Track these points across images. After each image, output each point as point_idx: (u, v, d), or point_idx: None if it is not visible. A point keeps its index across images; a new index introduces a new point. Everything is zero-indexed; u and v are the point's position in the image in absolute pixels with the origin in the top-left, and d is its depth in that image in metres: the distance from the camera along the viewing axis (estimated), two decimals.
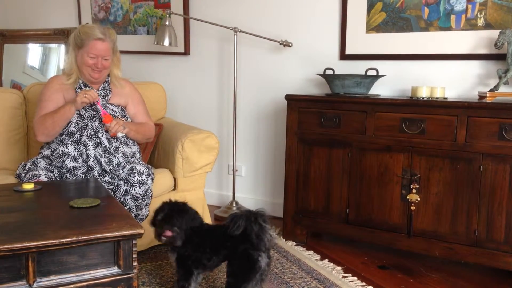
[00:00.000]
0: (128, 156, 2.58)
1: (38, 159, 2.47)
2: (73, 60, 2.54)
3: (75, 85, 2.56)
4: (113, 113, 2.57)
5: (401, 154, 2.67)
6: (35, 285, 1.46)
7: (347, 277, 2.56)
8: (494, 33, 2.72)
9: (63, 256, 1.49)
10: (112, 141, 2.54)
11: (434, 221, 2.61)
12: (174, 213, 2.07)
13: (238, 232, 1.93)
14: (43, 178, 2.34)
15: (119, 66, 2.67)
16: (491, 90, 2.65)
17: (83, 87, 2.55)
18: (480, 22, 2.81)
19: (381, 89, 3.12)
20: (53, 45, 4.41)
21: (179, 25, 3.77)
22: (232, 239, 1.98)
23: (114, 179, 2.47)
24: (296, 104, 2.98)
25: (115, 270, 1.57)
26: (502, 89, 2.69)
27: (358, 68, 3.13)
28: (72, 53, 2.54)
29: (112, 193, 2.37)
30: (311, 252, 2.89)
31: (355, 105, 2.79)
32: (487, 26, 2.79)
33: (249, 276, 1.98)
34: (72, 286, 1.51)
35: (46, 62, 4.46)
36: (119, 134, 2.48)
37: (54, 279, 1.49)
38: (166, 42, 3.55)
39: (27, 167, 2.43)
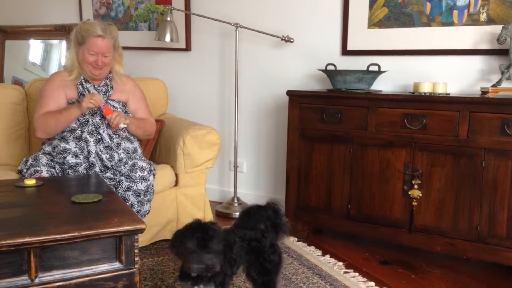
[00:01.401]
0: (130, 151, 2.58)
1: (40, 155, 2.48)
2: (74, 57, 2.54)
3: (76, 81, 2.55)
4: (114, 109, 2.57)
5: (403, 149, 2.66)
6: (37, 280, 1.46)
7: (348, 272, 2.56)
8: (497, 28, 2.71)
9: (65, 251, 1.49)
10: (113, 137, 2.54)
11: (436, 217, 2.61)
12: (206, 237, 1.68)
13: (261, 225, 1.90)
14: (44, 174, 2.35)
15: (121, 62, 2.66)
16: (493, 86, 2.64)
17: (84, 83, 2.55)
18: (483, 17, 2.80)
19: (383, 85, 3.12)
20: (54, 41, 4.40)
21: (180, 21, 3.76)
22: (253, 236, 1.92)
23: (116, 175, 2.48)
24: (297, 100, 2.98)
25: (116, 265, 1.57)
26: (505, 84, 2.68)
27: (360, 63, 3.12)
28: (73, 50, 2.54)
29: (114, 189, 2.37)
30: (312, 247, 2.89)
31: (357, 101, 2.79)
32: (490, 21, 2.78)
33: (280, 269, 1.96)
34: (74, 281, 1.51)
35: (47, 59, 4.45)
36: (121, 126, 2.46)
37: (56, 274, 1.49)
38: (168, 38, 3.54)
39: (28, 163, 2.43)
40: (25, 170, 2.41)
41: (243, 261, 1.94)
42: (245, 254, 1.92)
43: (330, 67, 3.11)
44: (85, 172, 2.45)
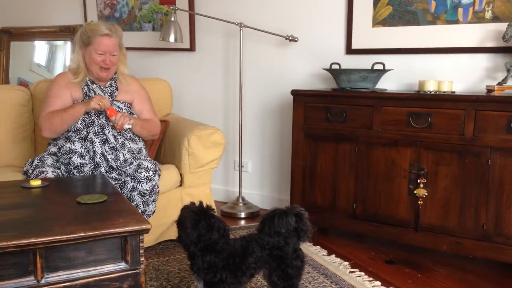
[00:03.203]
0: (135, 152, 2.58)
1: (45, 156, 2.48)
2: (80, 59, 2.54)
3: (82, 83, 2.56)
4: (119, 110, 2.57)
5: (408, 148, 2.65)
6: (43, 281, 1.46)
7: (354, 272, 2.55)
8: (502, 26, 2.69)
9: (71, 251, 1.50)
10: (118, 137, 2.54)
11: (442, 216, 2.60)
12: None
13: (286, 229, 1.88)
14: (50, 174, 2.35)
15: (125, 62, 2.67)
16: (499, 84, 2.63)
17: (89, 84, 2.56)
18: (488, 15, 2.79)
19: (387, 84, 3.11)
20: (59, 43, 4.42)
21: (184, 21, 3.77)
22: (275, 244, 1.89)
23: (121, 175, 2.48)
24: (302, 99, 2.97)
25: (122, 265, 1.57)
26: (510, 82, 2.66)
27: (364, 62, 3.11)
28: (79, 52, 2.54)
29: (119, 189, 2.38)
30: (318, 247, 2.88)
31: (362, 100, 2.78)
32: (495, 19, 2.77)
33: (302, 273, 1.94)
34: (79, 281, 1.51)
35: (52, 60, 4.47)
36: (126, 126, 2.47)
37: (62, 275, 1.49)
38: (172, 38, 3.54)
39: (34, 164, 2.44)
40: (30, 171, 2.42)
41: (258, 271, 1.92)
42: (264, 263, 1.89)
43: (335, 66, 3.10)
44: (90, 172, 2.46)
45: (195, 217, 1.77)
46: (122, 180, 2.46)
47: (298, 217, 1.93)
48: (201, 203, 1.85)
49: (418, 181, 2.62)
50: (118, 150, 2.51)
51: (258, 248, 1.87)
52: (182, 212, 1.82)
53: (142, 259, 1.59)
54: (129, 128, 2.53)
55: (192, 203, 1.85)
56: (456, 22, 2.88)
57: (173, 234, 2.80)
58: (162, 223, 2.75)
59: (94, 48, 2.47)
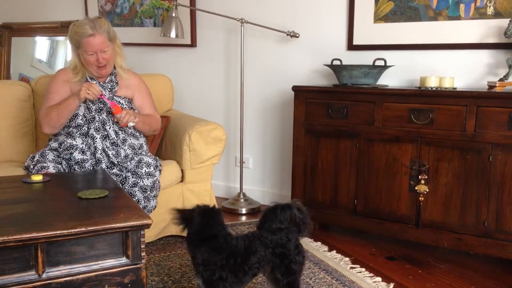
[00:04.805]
0: (135, 148, 2.58)
1: (46, 151, 2.49)
2: (76, 60, 2.53)
3: (82, 80, 2.56)
4: (120, 105, 2.57)
5: (410, 144, 2.65)
6: (44, 275, 1.47)
7: (355, 268, 2.56)
8: (504, 22, 2.69)
9: (72, 246, 1.50)
10: (119, 133, 2.54)
11: (443, 212, 2.60)
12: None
13: (291, 221, 1.88)
14: (51, 170, 2.36)
15: (121, 54, 2.62)
16: (500, 80, 2.62)
17: (89, 81, 2.55)
18: (490, 11, 2.78)
19: (389, 80, 3.10)
20: (60, 38, 4.41)
21: (185, 17, 3.76)
22: (278, 241, 1.88)
23: (122, 171, 2.48)
24: (303, 95, 2.97)
25: (123, 260, 1.57)
26: None
27: (366, 58, 3.10)
28: (74, 53, 2.54)
29: (120, 185, 2.38)
30: (318, 243, 2.89)
31: (363, 96, 2.78)
32: (497, 15, 2.76)
33: (303, 269, 1.94)
34: (81, 276, 1.51)
35: (53, 55, 4.47)
36: (130, 124, 2.47)
37: (63, 269, 1.49)
38: (173, 34, 3.54)
39: (35, 159, 2.44)
40: (32, 166, 2.42)
41: (261, 270, 1.90)
42: (267, 262, 1.87)
43: (336, 62, 3.10)
44: (91, 168, 2.46)
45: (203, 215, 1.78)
46: (123, 175, 2.46)
47: (299, 211, 1.93)
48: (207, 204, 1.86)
49: (419, 177, 2.62)
50: (119, 146, 2.52)
51: (262, 248, 1.85)
52: (190, 211, 1.81)
53: (143, 254, 1.59)
54: (133, 125, 2.53)
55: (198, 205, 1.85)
56: (458, 18, 2.88)
57: (174, 229, 2.81)
58: (163, 219, 2.75)
59: (84, 50, 2.45)
